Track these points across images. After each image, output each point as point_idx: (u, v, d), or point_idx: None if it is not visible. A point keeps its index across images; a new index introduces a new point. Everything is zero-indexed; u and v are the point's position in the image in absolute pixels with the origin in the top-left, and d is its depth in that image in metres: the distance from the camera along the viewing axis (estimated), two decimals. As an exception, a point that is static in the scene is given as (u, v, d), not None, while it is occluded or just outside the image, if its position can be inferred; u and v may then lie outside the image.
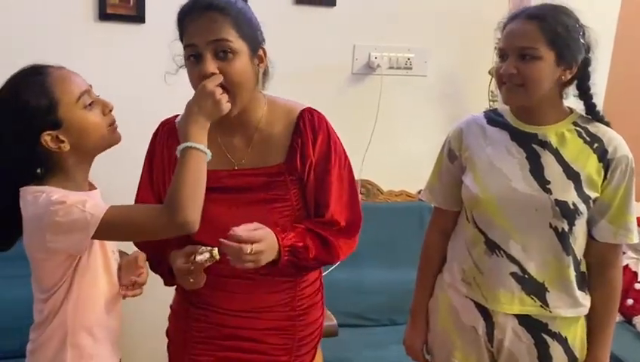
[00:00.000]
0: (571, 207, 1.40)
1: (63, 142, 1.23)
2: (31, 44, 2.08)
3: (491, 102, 2.50)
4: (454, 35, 2.54)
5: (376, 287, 2.40)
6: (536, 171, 1.43)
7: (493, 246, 1.48)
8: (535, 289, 1.46)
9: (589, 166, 1.41)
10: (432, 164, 1.65)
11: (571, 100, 1.50)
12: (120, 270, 1.36)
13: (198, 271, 1.32)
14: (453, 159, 1.57)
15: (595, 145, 1.42)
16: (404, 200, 2.57)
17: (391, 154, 2.51)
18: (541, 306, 1.46)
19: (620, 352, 2.31)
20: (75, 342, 1.28)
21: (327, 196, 1.41)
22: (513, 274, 1.46)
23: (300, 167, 1.39)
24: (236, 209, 1.38)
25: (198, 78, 1.27)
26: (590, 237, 1.47)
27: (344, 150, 1.47)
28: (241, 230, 1.26)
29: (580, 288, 1.48)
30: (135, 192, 1.48)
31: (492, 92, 2.50)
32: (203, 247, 1.31)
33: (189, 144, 1.22)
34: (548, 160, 1.43)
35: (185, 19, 1.30)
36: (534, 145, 1.44)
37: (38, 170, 1.26)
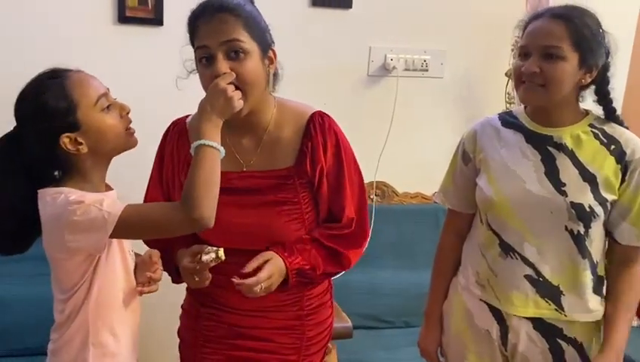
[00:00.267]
0: (587, 209, 1.39)
1: (81, 144, 1.25)
2: (52, 47, 2.11)
3: (508, 105, 2.49)
4: (471, 36, 2.53)
5: (390, 289, 2.40)
6: (552, 173, 1.42)
7: (507, 249, 1.47)
8: (550, 292, 1.45)
9: (605, 168, 1.39)
10: (448, 166, 1.65)
11: (590, 105, 1.48)
12: (135, 268, 1.38)
13: (203, 271, 1.33)
14: (467, 161, 1.56)
15: (612, 146, 1.40)
16: (419, 202, 2.57)
17: (406, 156, 2.51)
18: (556, 310, 1.45)
19: (637, 356, 2.28)
20: (97, 341, 1.30)
21: (342, 202, 1.43)
22: (527, 277, 1.45)
23: (310, 171, 1.40)
24: (244, 210, 1.39)
25: (210, 78, 1.28)
26: (612, 239, 1.46)
27: (353, 154, 1.48)
28: (249, 281, 1.30)
29: (597, 292, 1.46)
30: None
31: (509, 94, 2.49)
32: (209, 247, 1.32)
33: (202, 142, 1.24)
34: (563, 162, 1.41)
35: (196, 22, 1.31)
36: (549, 148, 1.43)
37: (56, 173, 1.28)
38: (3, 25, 2.11)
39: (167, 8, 2.20)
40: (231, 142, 1.40)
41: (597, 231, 1.43)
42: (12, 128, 1.28)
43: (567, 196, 1.39)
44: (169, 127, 1.49)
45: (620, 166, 1.39)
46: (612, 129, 1.43)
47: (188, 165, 1.35)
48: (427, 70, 2.52)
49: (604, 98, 1.44)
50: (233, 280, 1.31)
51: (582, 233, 1.41)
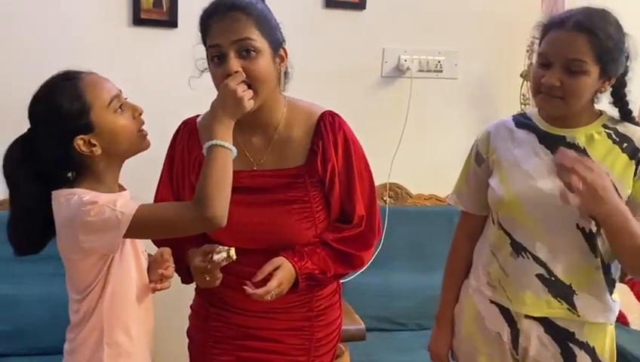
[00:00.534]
0: None
1: (94, 145, 1.26)
2: (68, 49, 2.14)
3: (523, 105, 2.47)
4: (485, 37, 2.51)
5: (404, 291, 2.39)
6: None
7: (519, 248, 1.46)
8: (562, 291, 1.43)
9: (617, 165, 1.38)
10: (462, 168, 1.64)
11: (605, 106, 1.47)
12: (148, 268, 1.39)
13: (214, 270, 1.33)
14: (480, 162, 1.56)
15: (625, 144, 1.39)
16: (433, 204, 2.56)
17: (420, 157, 2.50)
18: (569, 309, 1.43)
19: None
20: (112, 341, 1.31)
21: (353, 200, 1.44)
22: (539, 276, 1.44)
23: (321, 170, 1.41)
24: (255, 209, 1.39)
25: (222, 77, 1.29)
26: None
27: (364, 153, 1.48)
28: (260, 291, 1.31)
29: (610, 293, 1.45)
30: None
31: (523, 95, 2.47)
32: (220, 247, 1.33)
33: (214, 142, 1.25)
34: None
35: (208, 20, 1.32)
36: (562, 147, 1.41)
37: (70, 174, 1.29)
38: (19, 28, 2.14)
39: (181, 10, 2.22)
40: (241, 141, 1.40)
41: None
42: (26, 130, 1.30)
43: None
44: (179, 127, 1.50)
45: (633, 161, 1.38)
46: (625, 128, 1.42)
47: (199, 165, 1.36)
48: (441, 71, 2.52)
49: (620, 100, 1.43)
50: (246, 288, 1.32)
51: (593, 231, 1.39)
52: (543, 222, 1.42)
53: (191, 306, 1.59)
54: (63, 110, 1.23)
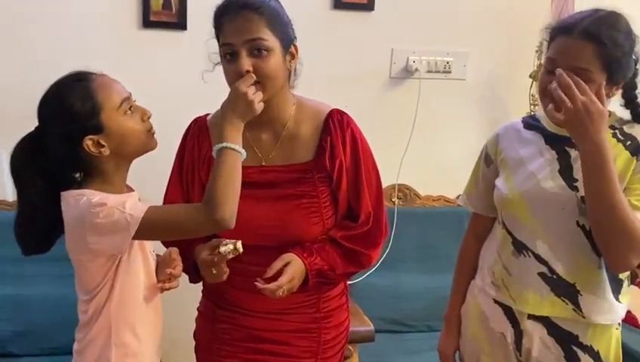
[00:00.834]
0: None
1: (103, 146, 1.26)
2: (78, 52, 2.15)
3: (532, 106, 2.46)
4: (494, 38, 2.51)
5: (413, 293, 2.38)
6: (565, 170, 1.41)
7: (520, 247, 1.46)
8: (566, 290, 1.42)
9: (619, 162, 1.36)
10: (471, 169, 1.65)
11: (616, 107, 1.46)
12: (156, 268, 1.40)
13: (221, 263, 1.34)
14: (489, 163, 1.57)
15: (629, 142, 1.38)
16: (442, 205, 2.55)
17: (429, 158, 2.50)
18: (574, 310, 1.42)
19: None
20: (120, 341, 1.31)
21: (360, 198, 1.44)
22: (541, 275, 1.43)
23: (330, 166, 1.42)
24: (263, 204, 1.40)
25: (234, 75, 1.31)
26: None
27: (371, 152, 1.49)
28: (271, 286, 1.32)
29: (614, 294, 1.43)
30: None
31: (532, 96, 2.46)
32: (227, 240, 1.33)
33: (224, 145, 1.26)
34: (578, 159, 1.39)
35: (220, 18, 1.33)
36: (567, 148, 1.42)
37: (77, 174, 1.31)
38: (30, 30, 2.15)
39: (190, 12, 2.23)
40: (250, 137, 1.41)
41: None
42: (34, 128, 1.30)
43: (578, 191, 1.38)
44: (190, 125, 1.51)
45: (635, 158, 1.37)
46: (632, 128, 1.41)
47: (208, 161, 1.38)
48: (450, 72, 2.51)
49: (631, 102, 1.42)
50: (257, 284, 1.32)
51: None
52: (543, 220, 1.42)
53: (198, 308, 1.59)
54: (74, 110, 1.24)
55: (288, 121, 1.43)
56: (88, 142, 1.25)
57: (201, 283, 1.56)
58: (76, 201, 1.25)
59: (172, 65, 2.24)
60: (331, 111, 1.45)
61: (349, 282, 2.15)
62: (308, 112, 1.45)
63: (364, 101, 2.43)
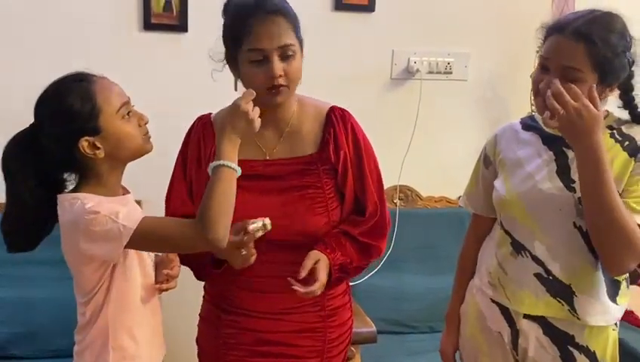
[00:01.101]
0: None
1: (98, 148, 1.26)
2: (79, 54, 2.15)
3: (533, 107, 2.45)
4: (495, 38, 2.51)
5: (415, 294, 2.38)
6: (563, 171, 1.41)
7: (519, 248, 1.46)
8: (561, 291, 1.42)
9: (616, 163, 1.36)
10: (472, 170, 1.65)
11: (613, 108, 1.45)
12: (155, 269, 1.40)
13: (250, 242, 1.33)
14: (488, 164, 1.57)
15: (626, 143, 1.38)
16: (443, 206, 2.55)
17: (430, 159, 2.50)
18: (569, 311, 1.42)
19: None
20: (117, 345, 1.31)
21: (365, 189, 1.47)
22: (537, 275, 1.43)
23: (334, 158, 1.44)
24: (268, 196, 1.41)
25: (264, 77, 1.32)
26: None
27: (371, 145, 1.52)
28: (315, 287, 1.34)
29: (611, 297, 1.43)
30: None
31: (534, 96, 2.46)
32: (254, 219, 1.33)
33: (222, 162, 1.24)
34: (576, 160, 1.40)
35: (248, 20, 1.31)
36: (565, 148, 1.42)
37: (71, 174, 1.31)
38: (30, 32, 2.16)
39: (191, 15, 2.23)
40: (256, 133, 1.41)
41: None
42: (28, 125, 1.29)
43: (575, 192, 1.37)
44: (194, 123, 1.51)
45: (632, 159, 1.36)
46: (630, 128, 1.41)
47: (214, 157, 1.37)
48: (451, 73, 2.51)
49: (628, 104, 1.42)
50: (296, 289, 1.32)
51: None
52: (541, 221, 1.42)
53: (200, 314, 1.58)
54: (73, 110, 1.24)
55: (291, 118, 1.45)
56: (84, 144, 1.25)
57: (202, 288, 1.56)
58: (71, 205, 1.25)
59: (173, 67, 2.25)
60: (332, 107, 1.48)
61: (350, 283, 2.16)
62: (309, 109, 1.47)
63: (366, 102, 2.42)
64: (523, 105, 2.46)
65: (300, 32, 1.38)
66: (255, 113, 1.28)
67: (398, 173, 2.43)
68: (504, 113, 2.47)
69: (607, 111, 1.44)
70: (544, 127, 1.47)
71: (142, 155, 1.34)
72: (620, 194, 1.34)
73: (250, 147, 1.38)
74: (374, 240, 1.48)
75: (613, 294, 1.44)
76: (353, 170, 1.46)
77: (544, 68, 1.38)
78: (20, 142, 1.28)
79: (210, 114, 1.51)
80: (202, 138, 1.47)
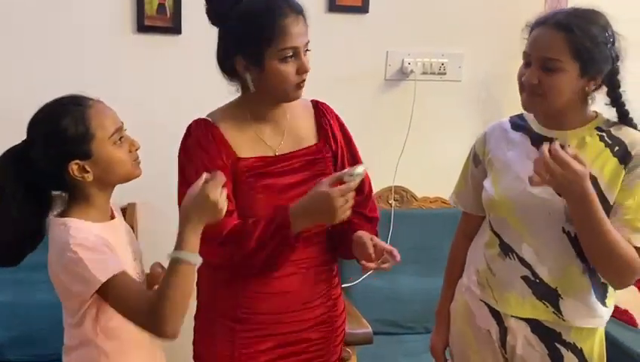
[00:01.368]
0: None
1: (87, 172, 1.28)
2: (72, 57, 2.15)
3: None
4: (488, 39, 2.51)
5: (411, 295, 2.38)
6: None
7: (507, 250, 1.47)
8: (547, 294, 1.43)
9: (606, 169, 1.37)
10: (462, 169, 1.66)
11: (601, 107, 1.46)
12: (148, 283, 1.42)
13: (354, 188, 1.34)
14: (477, 163, 1.58)
15: (616, 148, 1.38)
16: (439, 207, 2.55)
17: (425, 160, 2.50)
18: (554, 313, 1.43)
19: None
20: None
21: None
22: (524, 278, 1.45)
23: (334, 145, 1.52)
24: (285, 192, 1.43)
25: (297, 72, 1.37)
26: None
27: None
28: (395, 255, 1.41)
29: (599, 298, 1.43)
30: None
31: (528, 96, 2.46)
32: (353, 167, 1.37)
33: (181, 256, 1.18)
34: None
35: (282, 20, 1.34)
36: (544, 144, 1.42)
37: (59, 193, 1.32)
38: (24, 35, 2.15)
39: (185, 17, 2.23)
40: (256, 130, 1.44)
41: None
42: (22, 141, 1.31)
43: None
44: (191, 125, 1.46)
45: (623, 166, 1.37)
46: (619, 131, 1.40)
47: (224, 146, 1.39)
48: (445, 73, 2.51)
49: (615, 101, 1.42)
50: (369, 265, 1.39)
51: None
52: (530, 224, 1.43)
53: (199, 332, 1.52)
54: (67, 133, 1.26)
55: (287, 114, 1.48)
56: (74, 167, 1.27)
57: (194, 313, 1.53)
58: (59, 231, 1.27)
59: (167, 69, 2.24)
60: (314, 100, 1.56)
61: (346, 284, 2.17)
62: (296, 104, 1.50)
63: (360, 103, 2.43)
64: (517, 105, 2.43)
65: None
66: (223, 199, 1.21)
67: (393, 173, 2.43)
68: (498, 113, 2.45)
69: (596, 112, 1.45)
70: (533, 127, 1.48)
71: (130, 180, 1.36)
72: (613, 205, 1.36)
73: (259, 145, 1.41)
74: (376, 213, 1.58)
75: (602, 297, 1.44)
76: (346, 154, 1.54)
77: (527, 63, 1.40)
78: (11, 157, 1.30)
79: (205, 119, 1.46)
80: (203, 135, 1.42)
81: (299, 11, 1.37)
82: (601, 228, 1.30)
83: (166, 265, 1.49)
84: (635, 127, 1.42)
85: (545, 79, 1.35)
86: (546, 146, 1.27)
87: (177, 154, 1.46)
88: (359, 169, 1.35)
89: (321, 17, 2.37)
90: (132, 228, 2.11)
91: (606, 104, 1.43)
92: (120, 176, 1.33)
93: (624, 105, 1.41)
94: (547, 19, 1.38)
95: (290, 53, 1.36)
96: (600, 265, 1.37)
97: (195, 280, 1.25)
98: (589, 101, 1.43)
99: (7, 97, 2.09)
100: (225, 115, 1.46)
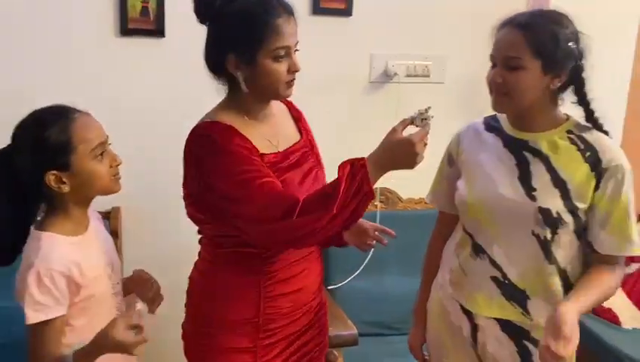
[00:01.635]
0: (554, 215, 1.39)
1: (64, 183, 1.29)
2: (56, 61, 2.13)
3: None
4: (472, 41, 2.52)
5: (396, 296, 2.39)
6: (524, 178, 1.43)
7: (478, 250, 1.49)
8: (515, 295, 1.45)
9: (578, 175, 1.39)
10: (438, 168, 1.69)
11: (569, 107, 1.47)
12: (130, 289, 1.44)
13: (428, 130, 1.38)
14: (451, 163, 1.60)
15: (588, 153, 1.40)
16: (423, 208, 2.56)
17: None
18: (522, 314, 1.45)
19: (638, 356, 2.27)
20: None
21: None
22: (493, 279, 1.47)
23: (308, 138, 1.57)
24: (303, 185, 1.46)
25: (288, 72, 1.38)
26: (592, 249, 1.44)
27: None
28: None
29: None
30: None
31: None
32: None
33: None
34: (537, 167, 1.42)
35: (274, 20, 1.35)
36: (525, 152, 1.44)
37: (37, 203, 1.33)
38: (6, 39, 2.13)
39: (168, 20, 2.22)
40: (259, 130, 1.45)
41: (565, 238, 1.41)
42: (7, 146, 1.31)
43: (536, 201, 1.40)
44: (206, 131, 1.38)
45: (594, 173, 1.38)
46: (591, 135, 1.42)
47: (249, 143, 1.38)
48: (429, 76, 2.53)
49: (582, 100, 1.44)
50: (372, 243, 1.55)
51: (548, 238, 1.41)
52: (501, 226, 1.45)
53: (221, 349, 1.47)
54: (48, 143, 1.26)
55: (272, 110, 1.50)
56: (51, 177, 1.28)
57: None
58: (31, 248, 1.28)
59: (151, 72, 2.23)
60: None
61: (332, 286, 2.17)
62: (274, 104, 1.52)
63: (345, 106, 2.44)
64: (500, 106, 2.48)
65: None
66: (130, 338, 1.24)
67: (378, 175, 2.44)
68: (481, 115, 2.46)
69: (567, 115, 1.47)
70: (505, 129, 1.50)
71: (108, 194, 1.37)
72: (587, 211, 1.39)
73: (265, 143, 1.42)
74: None
75: None
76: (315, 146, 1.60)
77: (494, 65, 1.44)
78: None
79: (211, 121, 1.41)
80: (228, 135, 1.37)
81: (290, 12, 1.39)
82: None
83: (149, 270, 1.51)
84: (601, 128, 1.44)
85: (508, 77, 1.38)
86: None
87: (198, 161, 1.37)
88: (431, 112, 1.35)
89: (305, 20, 2.34)
90: (116, 232, 2.10)
91: (572, 102, 1.45)
92: (96, 191, 1.34)
93: (589, 105, 1.43)
94: (510, 21, 1.41)
95: (283, 53, 1.37)
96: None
97: None
98: (559, 102, 1.45)
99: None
100: (228, 116, 1.41)
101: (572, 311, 1.30)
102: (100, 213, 1.60)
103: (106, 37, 2.19)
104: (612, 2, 2.53)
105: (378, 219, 2.38)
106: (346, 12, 2.41)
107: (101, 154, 1.31)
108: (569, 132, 1.43)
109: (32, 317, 1.27)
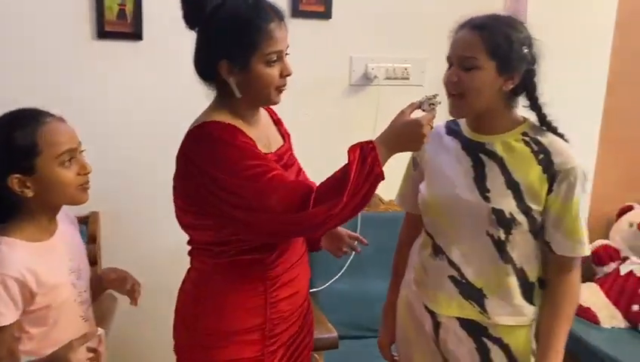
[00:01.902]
0: (507, 216, 1.41)
1: (28, 188, 1.27)
2: (32, 64, 2.10)
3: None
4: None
5: (377, 298, 2.36)
6: (480, 179, 1.45)
7: (438, 250, 1.53)
8: (473, 294, 1.48)
9: (531, 176, 1.41)
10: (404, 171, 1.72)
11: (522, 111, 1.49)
12: (108, 284, 1.45)
13: (435, 116, 1.38)
14: (415, 166, 1.64)
15: (541, 155, 1.42)
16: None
17: (390, 163, 2.46)
18: (480, 312, 1.48)
19: (625, 358, 2.29)
20: None
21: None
22: (452, 278, 1.49)
23: (291, 143, 1.59)
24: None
25: (280, 77, 1.38)
26: (549, 249, 1.46)
27: None
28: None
29: (527, 298, 1.48)
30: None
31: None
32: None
33: None
34: (492, 169, 1.44)
35: (267, 25, 1.34)
36: (481, 154, 1.46)
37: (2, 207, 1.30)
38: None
39: (145, 22, 2.20)
40: (253, 132, 1.43)
41: (520, 238, 1.44)
42: None
43: (489, 202, 1.42)
44: (209, 130, 1.35)
45: (546, 175, 1.40)
46: (545, 138, 1.44)
47: (253, 141, 1.37)
48: (408, 78, 2.55)
49: (534, 104, 1.46)
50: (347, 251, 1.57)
51: (502, 239, 1.43)
52: (458, 227, 1.48)
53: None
54: (14, 145, 1.25)
55: (260, 113, 1.50)
56: (14, 180, 1.25)
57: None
58: None
59: (128, 75, 2.21)
60: None
61: (313, 289, 2.16)
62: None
63: (325, 109, 2.44)
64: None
65: None
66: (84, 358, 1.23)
67: (358, 178, 2.44)
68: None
69: (524, 117, 1.49)
70: (464, 133, 1.52)
71: (75, 204, 1.34)
72: (548, 215, 1.42)
73: (260, 143, 1.42)
74: None
75: (529, 296, 1.49)
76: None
77: (450, 66, 1.45)
78: None
79: (208, 122, 1.38)
80: (242, 137, 1.37)
81: (281, 17, 1.38)
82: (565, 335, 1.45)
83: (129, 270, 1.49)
84: (555, 130, 1.46)
85: (464, 77, 1.40)
86: None
87: (203, 161, 1.33)
88: (438, 98, 1.37)
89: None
90: (94, 236, 2.07)
91: (524, 106, 1.47)
92: (62, 199, 1.32)
93: (542, 109, 1.45)
94: (466, 23, 1.43)
95: (275, 57, 1.36)
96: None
97: None
98: (514, 105, 1.47)
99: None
100: (225, 116, 1.38)
101: None
102: (77, 217, 1.57)
103: (83, 40, 2.17)
104: (588, 5, 2.57)
105: (359, 221, 2.38)
106: (326, 15, 2.41)
107: (70, 160, 1.29)
108: (524, 134, 1.45)
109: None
